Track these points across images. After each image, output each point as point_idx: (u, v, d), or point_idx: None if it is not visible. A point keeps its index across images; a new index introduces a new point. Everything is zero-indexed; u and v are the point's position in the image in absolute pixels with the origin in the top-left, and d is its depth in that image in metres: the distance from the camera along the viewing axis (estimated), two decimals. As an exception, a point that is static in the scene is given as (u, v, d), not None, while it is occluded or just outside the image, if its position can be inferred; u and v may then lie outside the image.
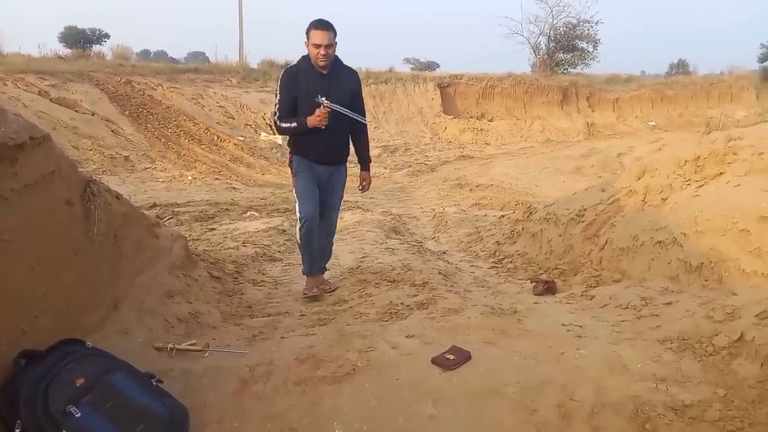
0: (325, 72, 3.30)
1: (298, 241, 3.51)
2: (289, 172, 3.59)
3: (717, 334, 2.23)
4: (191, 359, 2.23)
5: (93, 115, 11.46)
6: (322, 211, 3.48)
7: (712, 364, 2.12)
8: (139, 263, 2.65)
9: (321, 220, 3.50)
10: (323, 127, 3.24)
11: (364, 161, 3.67)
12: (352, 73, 3.51)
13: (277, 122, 3.39)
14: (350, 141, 3.58)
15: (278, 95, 3.37)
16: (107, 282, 2.33)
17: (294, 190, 3.47)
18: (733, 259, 2.56)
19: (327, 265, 3.77)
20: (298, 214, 3.43)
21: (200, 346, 2.29)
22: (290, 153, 3.52)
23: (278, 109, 3.36)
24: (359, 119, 3.43)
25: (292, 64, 3.43)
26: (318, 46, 3.20)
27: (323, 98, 3.22)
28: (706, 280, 2.67)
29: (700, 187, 3.09)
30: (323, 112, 3.22)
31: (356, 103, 3.46)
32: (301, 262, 3.63)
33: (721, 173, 3.08)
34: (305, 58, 3.34)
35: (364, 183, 3.70)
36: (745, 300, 2.35)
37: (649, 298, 2.80)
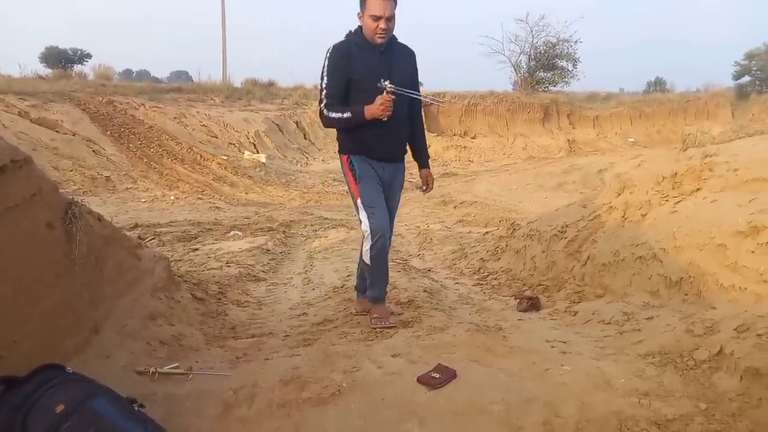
0: (382, 49, 2.79)
1: (367, 262, 2.94)
2: (343, 176, 3.01)
3: (697, 348, 2.27)
4: (174, 383, 2.19)
5: (74, 135, 11.38)
6: None
7: (693, 378, 2.15)
8: (121, 285, 2.62)
9: None
10: (386, 118, 2.72)
11: (424, 156, 3.15)
12: (410, 51, 2.97)
13: (324, 111, 2.81)
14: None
15: (325, 78, 2.79)
16: (88, 305, 2.30)
17: (357, 200, 2.91)
18: (711, 273, 2.61)
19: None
20: (367, 229, 2.86)
21: (183, 369, 2.26)
22: (343, 153, 2.96)
23: (326, 95, 2.79)
24: (434, 101, 3.00)
25: (339, 41, 2.83)
26: (377, 18, 2.68)
27: (386, 82, 2.70)
28: (686, 295, 2.71)
29: (678, 203, 3.15)
30: (387, 99, 2.69)
31: (416, 87, 2.96)
32: (355, 288, 3.21)
33: (698, 189, 3.14)
34: (357, 33, 2.81)
35: (428, 182, 3.17)
36: (723, 314, 2.39)
37: (631, 313, 2.83)
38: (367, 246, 2.89)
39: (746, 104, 23.05)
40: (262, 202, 10.42)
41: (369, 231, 2.84)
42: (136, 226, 6.91)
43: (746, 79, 26.06)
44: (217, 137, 14.39)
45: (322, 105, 2.81)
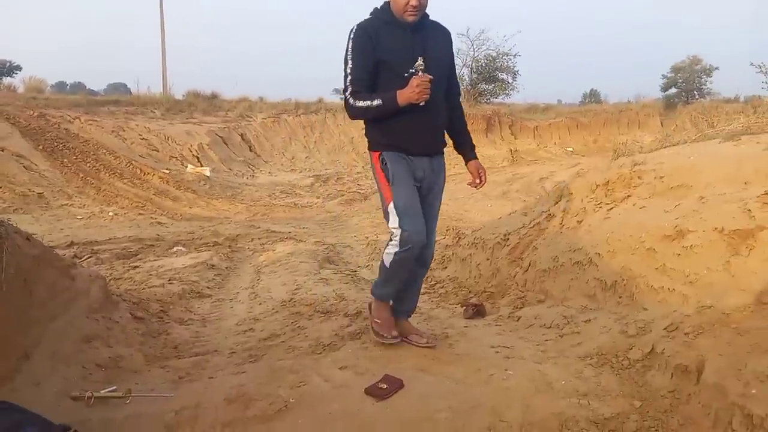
0: (414, 27, 2.42)
1: (386, 264, 2.52)
2: (373, 175, 2.60)
3: (631, 348, 2.38)
4: (111, 407, 2.11)
5: (2, 150, 10.76)
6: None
7: (628, 377, 2.25)
8: (53, 308, 2.50)
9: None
10: (422, 103, 2.35)
11: (469, 145, 2.73)
12: (445, 29, 2.59)
13: (349, 100, 2.42)
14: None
15: (349, 62, 2.40)
16: (16, 330, 2.18)
17: (388, 205, 2.47)
18: (642, 276, 2.75)
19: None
20: (398, 236, 2.42)
21: (121, 392, 2.17)
22: (374, 149, 2.56)
23: (351, 81, 2.41)
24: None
25: (364, 19, 2.46)
26: None
27: (420, 59, 2.32)
28: (620, 297, 2.84)
29: (611, 209, 3.30)
30: (424, 80, 2.31)
31: (453, 70, 2.65)
32: (373, 288, 2.73)
33: (628, 196, 3.31)
34: (384, 10, 2.45)
35: (480, 174, 2.70)
36: (654, 314, 2.52)
37: (571, 317, 2.94)
38: (391, 250, 2.47)
39: (674, 114, 24.42)
40: (207, 217, 10.16)
41: (399, 239, 2.43)
42: (72, 244, 6.60)
43: (673, 90, 27.62)
44: (158, 151, 13.94)
45: (347, 93, 2.43)
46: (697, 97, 27.10)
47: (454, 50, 2.68)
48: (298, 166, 16.41)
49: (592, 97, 31.17)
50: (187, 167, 13.43)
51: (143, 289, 4.30)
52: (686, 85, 27.28)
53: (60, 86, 26.61)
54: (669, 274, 2.63)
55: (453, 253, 4.92)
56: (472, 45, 24.20)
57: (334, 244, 7.12)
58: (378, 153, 2.53)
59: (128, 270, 5.27)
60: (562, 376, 2.30)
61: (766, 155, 2.91)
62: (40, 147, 11.68)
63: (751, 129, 4.27)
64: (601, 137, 22.78)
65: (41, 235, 6.39)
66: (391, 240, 2.49)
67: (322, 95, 21.50)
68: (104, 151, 12.59)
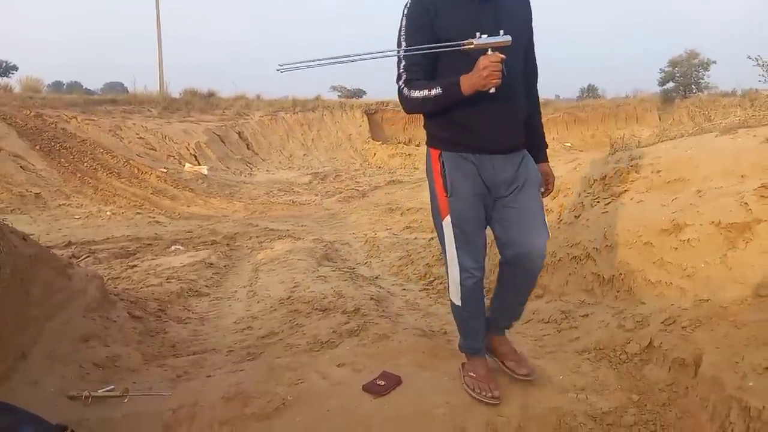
0: None
1: (456, 303, 2.14)
2: (428, 177, 2.22)
3: (629, 342, 2.38)
4: (109, 406, 2.11)
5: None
6: (512, 240, 2.13)
7: (626, 371, 2.25)
8: (50, 307, 2.49)
9: (516, 259, 2.17)
10: (492, 90, 1.85)
11: (541, 145, 2.26)
12: None
13: (403, 90, 1.98)
14: None
15: (403, 44, 1.97)
16: (13, 330, 2.17)
17: (442, 219, 2.08)
18: (640, 270, 2.75)
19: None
20: (454, 261, 2.07)
21: (119, 391, 2.17)
22: (433, 145, 2.14)
23: (405, 67, 1.97)
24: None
25: None
26: None
27: (483, 35, 1.81)
28: (617, 292, 2.83)
29: (608, 204, 3.29)
30: (494, 61, 1.80)
31: (532, 44, 2.14)
32: (459, 336, 2.30)
33: (625, 190, 3.30)
34: None
35: (549, 182, 2.28)
36: (651, 308, 2.52)
37: (568, 312, 2.94)
38: (454, 283, 2.11)
39: (671, 108, 24.39)
40: (205, 215, 10.15)
41: (457, 264, 2.06)
42: (70, 244, 6.60)
43: (671, 84, 27.59)
44: (155, 149, 13.94)
45: (401, 82, 1.98)
46: (694, 90, 27.02)
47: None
48: (295, 163, 16.40)
49: (590, 92, 31.11)
50: (184, 166, 13.43)
51: (141, 288, 4.30)
52: (684, 79, 27.19)
53: (57, 85, 26.50)
54: (666, 267, 2.63)
55: (451, 249, 4.92)
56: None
57: (333, 241, 7.12)
58: (438, 151, 2.10)
59: (126, 269, 5.27)
60: (560, 371, 2.30)
61: (763, 148, 2.90)
62: (37, 147, 11.66)
63: (748, 122, 4.26)
64: (599, 132, 22.79)
65: (39, 235, 6.39)
66: (447, 268, 2.14)
67: (319, 92, 21.52)
68: (101, 150, 12.58)
